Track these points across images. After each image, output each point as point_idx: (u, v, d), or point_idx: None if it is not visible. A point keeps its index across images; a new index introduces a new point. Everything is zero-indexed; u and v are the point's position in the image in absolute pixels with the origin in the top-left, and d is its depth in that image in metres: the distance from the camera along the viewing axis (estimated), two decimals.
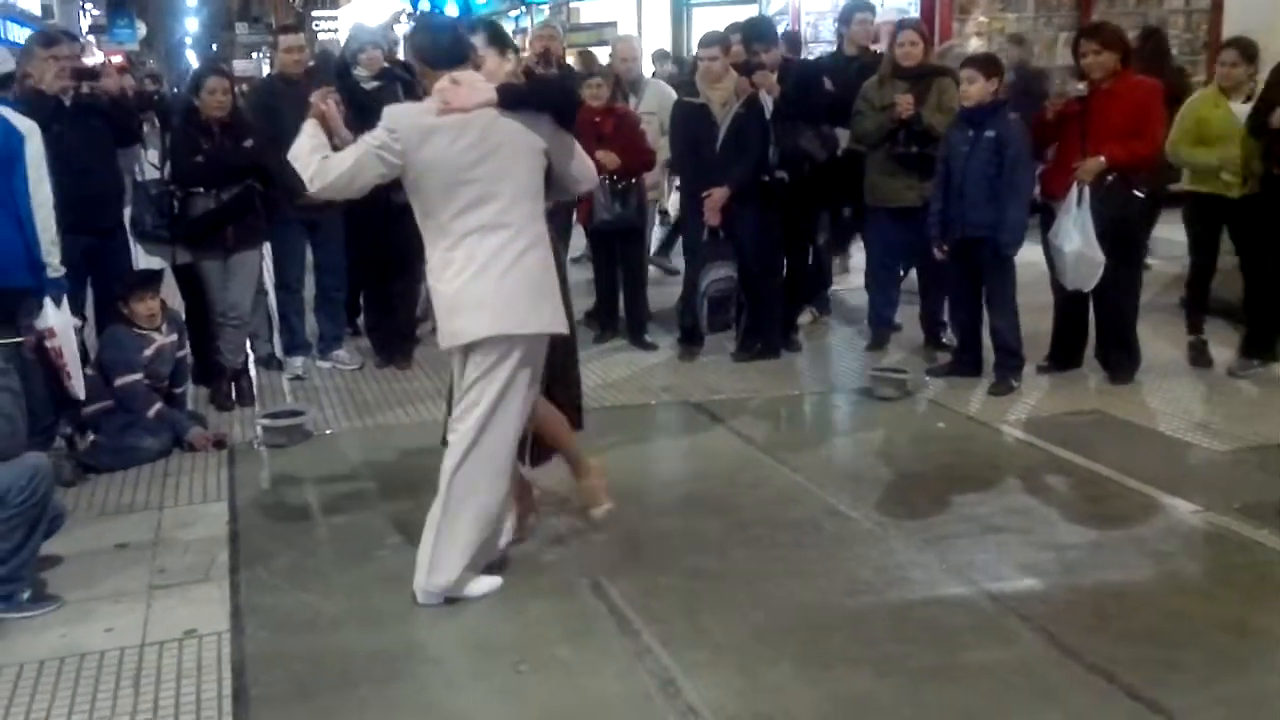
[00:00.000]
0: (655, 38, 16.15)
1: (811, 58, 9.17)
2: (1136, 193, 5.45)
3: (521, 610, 3.60)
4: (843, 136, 6.57)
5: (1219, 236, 5.97)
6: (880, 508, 4.34)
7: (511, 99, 3.42)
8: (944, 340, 6.27)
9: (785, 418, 5.61)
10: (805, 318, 7.00)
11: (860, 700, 3.04)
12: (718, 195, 6.08)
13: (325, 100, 3.64)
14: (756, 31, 6.62)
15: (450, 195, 3.41)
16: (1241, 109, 5.70)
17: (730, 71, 6.23)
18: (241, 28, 35.80)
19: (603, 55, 9.39)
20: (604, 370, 6.34)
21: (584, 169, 3.73)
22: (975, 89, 5.52)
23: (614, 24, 15.31)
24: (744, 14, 11.93)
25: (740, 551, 3.97)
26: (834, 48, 8.02)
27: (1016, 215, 5.49)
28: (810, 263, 7.02)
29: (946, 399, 5.59)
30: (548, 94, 3.60)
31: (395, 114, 3.47)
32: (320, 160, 3.47)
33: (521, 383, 3.52)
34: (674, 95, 6.95)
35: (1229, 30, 6.85)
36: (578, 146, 3.68)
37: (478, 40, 3.64)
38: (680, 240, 7.72)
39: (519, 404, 3.54)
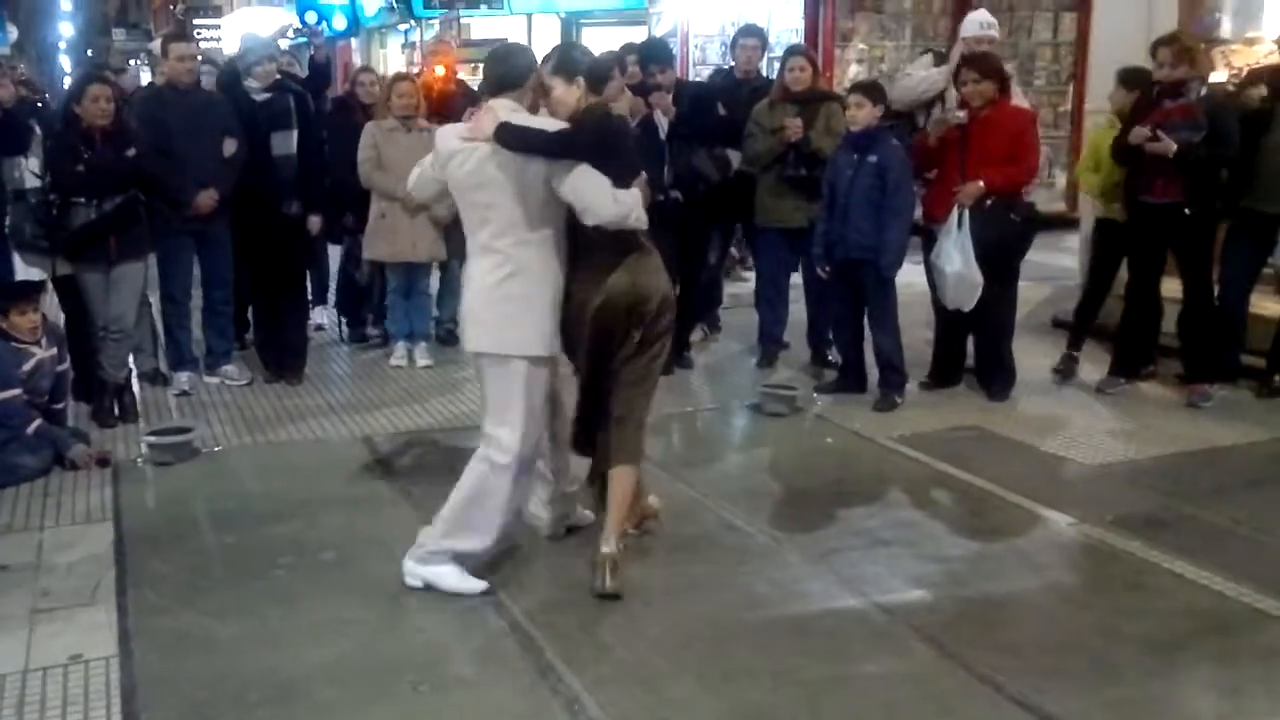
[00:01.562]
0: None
1: (701, 79, 9.31)
2: (1013, 216, 5.69)
3: (420, 629, 3.58)
4: (735, 158, 6.71)
5: (1117, 261, 6.15)
6: (774, 522, 4.44)
7: (501, 137, 3.58)
8: (830, 358, 6.44)
9: (679, 434, 5.68)
10: (697, 335, 7.11)
11: (760, 712, 3.11)
12: None
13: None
14: (653, 53, 6.72)
15: (465, 216, 3.79)
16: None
17: (626, 92, 6.30)
18: (119, 33, 34.48)
19: None
20: None
21: (586, 200, 3.60)
22: (864, 114, 5.69)
23: (504, 40, 15.28)
24: (633, 34, 12.08)
25: (639, 567, 4.00)
26: (722, 70, 8.19)
27: (897, 237, 5.67)
28: (702, 281, 7.14)
29: (833, 415, 5.74)
30: (534, 139, 3.59)
31: (438, 134, 3.90)
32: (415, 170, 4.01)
33: (519, 392, 3.75)
34: None
35: (1094, 62, 7.19)
36: (581, 181, 3.59)
37: (546, 67, 3.75)
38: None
39: (521, 411, 3.75)
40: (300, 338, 6.54)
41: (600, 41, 11.28)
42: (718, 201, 6.71)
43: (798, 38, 10.63)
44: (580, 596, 3.78)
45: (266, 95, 6.19)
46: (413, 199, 4.11)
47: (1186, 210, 5.57)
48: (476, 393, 6.17)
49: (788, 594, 3.81)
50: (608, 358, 3.86)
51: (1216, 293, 5.85)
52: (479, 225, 3.73)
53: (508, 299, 3.70)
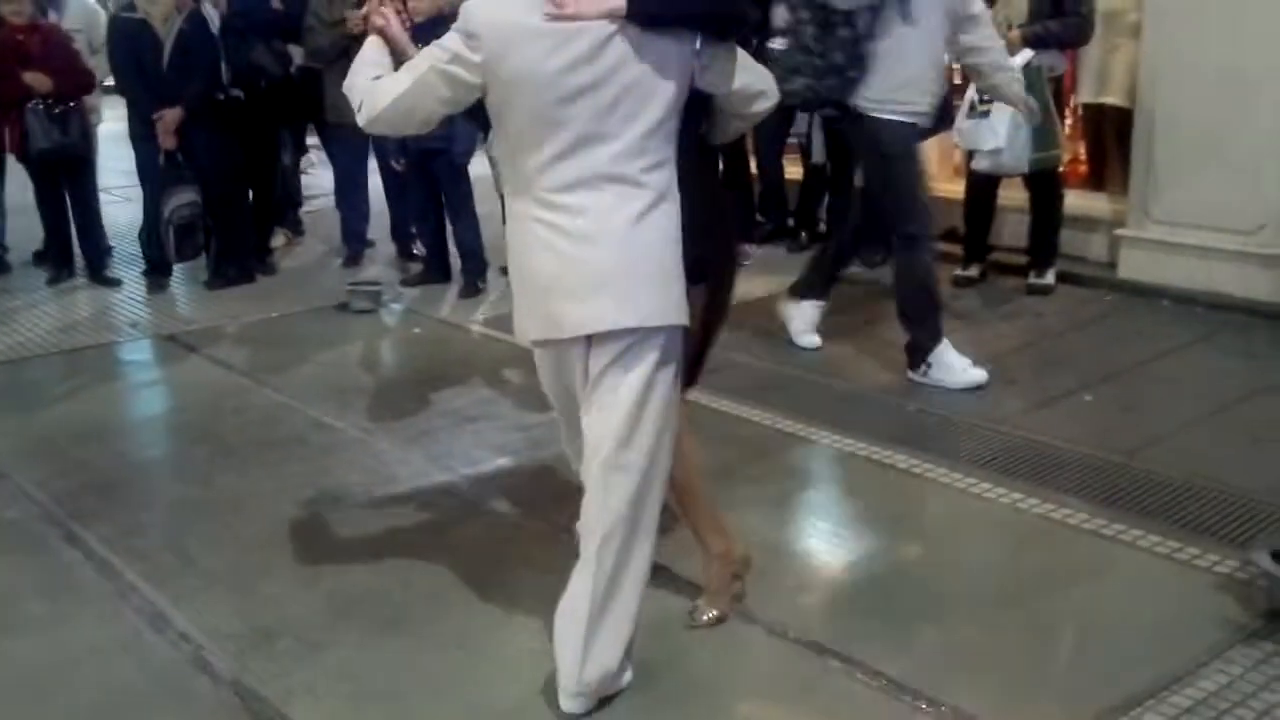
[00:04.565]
0: None
1: None
2: None
3: None
4: (298, 54, 6.52)
5: None
6: (364, 415, 4.53)
7: (647, 11, 2.43)
8: (415, 251, 6.53)
9: (264, 341, 5.60)
10: (279, 240, 6.95)
11: (354, 594, 3.21)
12: (170, 117, 5.86)
13: (381, 11, 2.75)
14: None
15: (542, 132, 2.48)
16: None
17: None
18: None
19: None
20: (64, 312, 5.98)
21: (763, 79, 2.77)
22: (424, 5, 5.69)
23: None
24: None
25: (226, 477, 3.98)
26: None
27: (466, 127, 5.78)
28: (279, 183, 6.95)
29: (421, 306, 5.86)
30: (697, 3, 2.54)
31: (477, 12, 2.46)
32: (370, 83, 2.61)
33: (665, 383, 2.60)
34: (99, 11, 6.51)
35: None
36: (744, 55, 2.70)
37: None
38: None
39: (667, 414, 2.62)
40: None
41: None
42: (284, 99, 6.52)
43: None
44: (162, 515, 3.72)
45: None
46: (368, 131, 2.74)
47: None
48: (35, 319, 5.82)
49: (379, 479, 3.93)
50: None
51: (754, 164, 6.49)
52: (582, 145, 2.48)
53: (658, 245, 2.56)
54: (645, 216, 2.53)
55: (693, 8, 2.53)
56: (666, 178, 2.57)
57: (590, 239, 2.51)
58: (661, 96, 2.51)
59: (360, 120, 2.66)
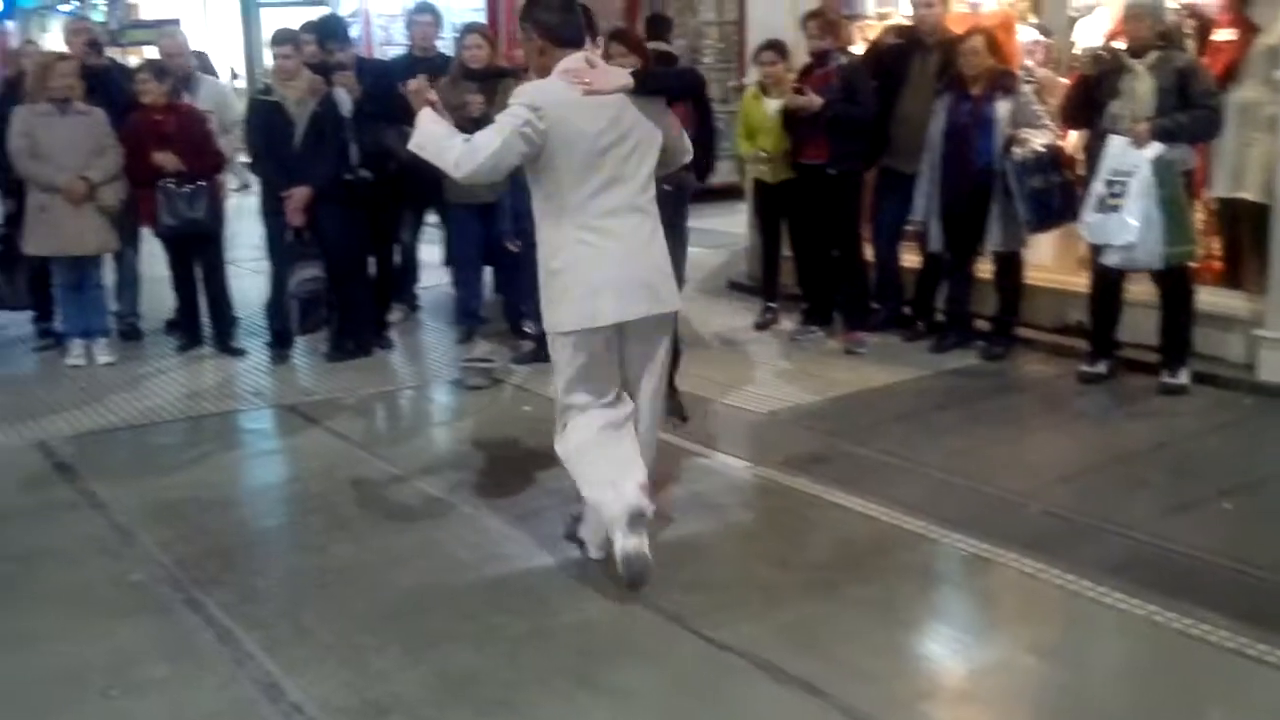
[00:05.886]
0: (224, 37, 15.59)
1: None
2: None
3: (109, 634, 3.44)
4: None
5: (776, 219, 6.68)
6: (475, 491, 4.54)
7: (650, 85, 3.62)
8: (526, 329, 6.59)
9: (381, 414, 5.69)
10: (396, 315, 7.09)
11: (463, 673, 3.20)
12: (299, 195, 6.04)
13: (431, 89, 3.68)
14: (330, 30, 6.64)
15: (583, 176, 3.50)
16: (774, 103, 6.40)
17: (304, 69, 6.21)
18: None
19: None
20: (191, 379, 6.15)
21: (684, 141, 3.83)
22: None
23: (176, 21, 14.40)
24: (315, 14, 11.74)
25: (340, 547, 4.02)
26: (404, 50, 8.15)
27: None
28: (399, 260, 7.13)
29: (532, 384, 5.88)
30: (676, 80, 4.32)
31: (535, 91, 3.51)
32: (463, 143, 3.50)
33: (666, 354, 3.84)
34: (229, 92, 6.79)
35: (751, 39, 7.66)
36: (675, 120, 3.80)
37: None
38: None
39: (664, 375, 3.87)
40: None
41: (279, 23, 10.87)
42: (408, 180, 6.70)
43: (481, 17, 10.66)
44: (279, 583, 3.76)
45: None
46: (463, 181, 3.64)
47: (830, 170, 6.07)
48: (164, 386, 6.02)
49: (488, 557, 3.92)
50: None
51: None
52: (609, 185, 3.53)
53: (663, 255, 3.67)
54: (654, 235, 3.63)
55: (672, 84, 4.12)
56: (654, 205, 3.62)
57: (624, 255, 3.54)
58: (655, 147, 3.62)
59: (458, 173, 3.51)
